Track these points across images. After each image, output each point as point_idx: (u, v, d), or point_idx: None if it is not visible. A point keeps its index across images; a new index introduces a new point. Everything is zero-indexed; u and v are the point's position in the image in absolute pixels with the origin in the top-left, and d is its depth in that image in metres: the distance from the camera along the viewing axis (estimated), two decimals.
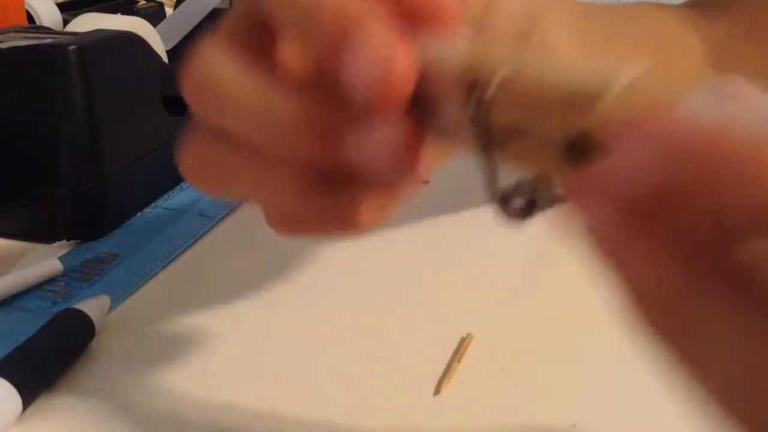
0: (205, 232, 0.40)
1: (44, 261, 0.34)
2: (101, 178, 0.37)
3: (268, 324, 0.32)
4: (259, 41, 0.19)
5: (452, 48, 0.16)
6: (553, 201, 0.15)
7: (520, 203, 0.16)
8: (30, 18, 0.57)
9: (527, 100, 0.14)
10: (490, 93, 0.15)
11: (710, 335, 0.13)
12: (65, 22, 0.56)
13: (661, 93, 0.13)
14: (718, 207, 0.12)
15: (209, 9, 0.51)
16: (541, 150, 0.14)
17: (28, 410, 0.26)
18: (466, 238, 0.39)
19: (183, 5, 0.52)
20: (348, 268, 0.36)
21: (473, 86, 0.15)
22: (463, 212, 0.41)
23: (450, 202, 0.42)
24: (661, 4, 0.33)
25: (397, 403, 0.27)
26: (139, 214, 0.41)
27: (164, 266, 0.36)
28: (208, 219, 0.41)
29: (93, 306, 0.30)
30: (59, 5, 0.61)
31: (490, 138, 0.15)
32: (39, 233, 0.38)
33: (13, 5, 0.53)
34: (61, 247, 0.37)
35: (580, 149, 0.13)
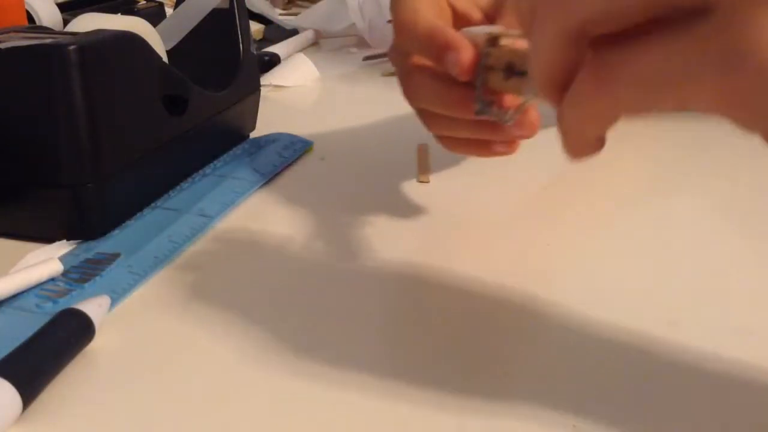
0: (205, 232, 0.40)
1: (44, 261, 0.34)
2: (101, 178, 0.37)
3: (268, 324, 0.32)
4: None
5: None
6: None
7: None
8: (30, 18, 0.57)
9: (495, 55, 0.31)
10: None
11: None
12: (65, 22, 0.56)
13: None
14: None
15: (209, 9, 0.51)
16: (497, 77, 0.31)
17: (28, 410, 0.26)
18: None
19: (183, 5, 0.52)
20: (348, 267, 0.36)
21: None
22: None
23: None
24: None
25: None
26: (139, 214, 0.41)
27: (164, 266, 0.36)
28: (208, 219, 0.41)
29: (93, 306, 0.30)
30: (59, 5, 0.61)
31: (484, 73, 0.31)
32: (39, 233, 0.38)
33: (13, 5, 0.53)
34: (61, 247, 0.37)
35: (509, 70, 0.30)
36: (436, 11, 0.36)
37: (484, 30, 0.32)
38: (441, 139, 0.38)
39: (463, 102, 0.33)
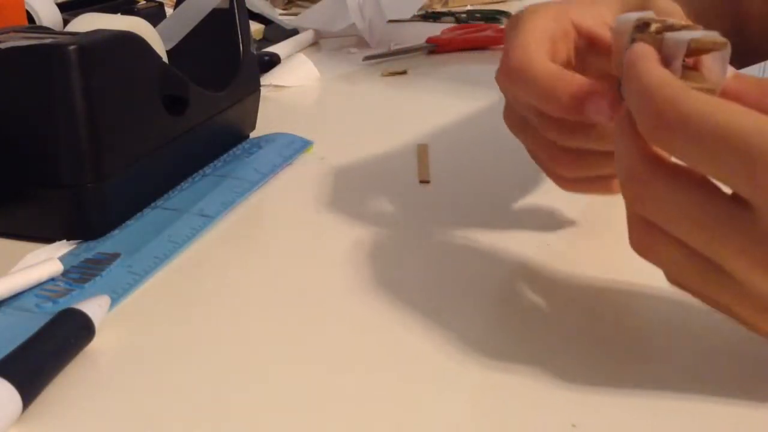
0: (205, 232, 0.40)
1: (44, 261, 0.34)
2: (101, 178, 0.37)
3: (268, 323, 0.32)
4: None
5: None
6: None
7: None
8: (30, 18, 0.57)
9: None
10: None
11: None
12: (65, 22, 0.56)
13: None
14: None
15: (209, 9, 0.51)
16: None
17: (28, 410, 0.26)
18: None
19: (183, 5, 0.52)
20: (348, 267, 0.36)
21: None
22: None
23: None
24: None
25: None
26: (139, 214, 0.41)
27: (164, 266, 0.36)
28: (208, 219, 0.41)
29: (93, 306, 0.30)
30: (59, 5, 0.61)
31: None
32: (39, 233, 0.38)
33: (13, 5, 0.53)
34: (61, 247, 0.37)
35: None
36: (548, 46, 0.32)
37: (633, 17, 0.28)
38: (563, 181, 0.36)
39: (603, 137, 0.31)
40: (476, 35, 0.85)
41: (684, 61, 0.26)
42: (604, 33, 0.33)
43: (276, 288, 0.35)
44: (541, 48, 0.32)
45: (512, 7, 1.08)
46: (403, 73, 0.74)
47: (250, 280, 0.35)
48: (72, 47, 0.35)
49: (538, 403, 0.26)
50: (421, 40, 0.83)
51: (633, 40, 0.27)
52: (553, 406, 0.26)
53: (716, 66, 0.26)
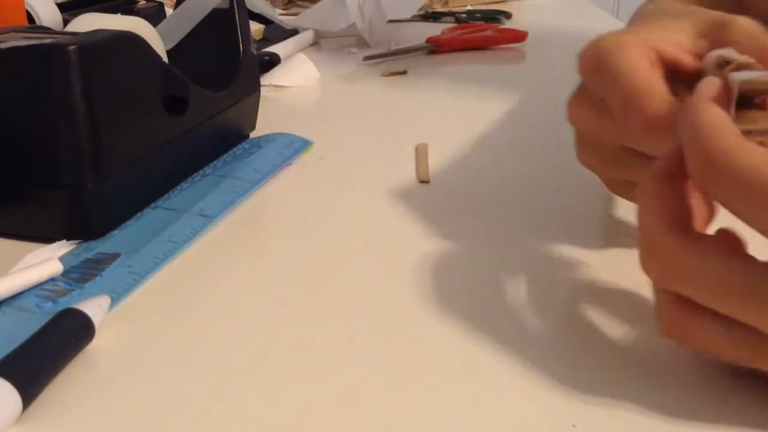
0: (205, 232, 0.40)
1: (44, 261, 0.34)
2: (101, 178, 0.37)
3: (268, 324, 0.32)
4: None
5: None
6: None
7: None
8: (30, 18, 0.57)
9: None
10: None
11: None
12: (65, 22, 0.56)
13: None
14: None
15: (209, 9, 0.51)
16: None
17: (28, 410, 0.26)
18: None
19: (183, 5, 0.52)
20: (348, 268, 0.36)
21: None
22: None
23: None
24: None
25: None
26: (139, 214, 0.41)
27: (164, 266, 0.36)
28: (208, 219, 0.41)
29: (93, 306, 0.30)
30: (59, 5, 0.61)
31: None
32: (39, 233, 0.38)
33: (13, 5, 0.53)
34: (61, 247, 0.37)
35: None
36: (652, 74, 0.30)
37: (714, 56, 0.29)
38: None
39: None
40: (476, 35, 0.85)
41: (752, 100, 0.26)
42: (686, 58, 0.32)
43: (276, 288, 0.35)
44: (649, 71, 0.30)
45: (512, 7, 1.08)
46: (403, 73, 0.74)
47: (250, 280, 0.35)
48: (72, 47, 0.35)
49: (538, 403, 0.26)
50: (421, 40, 0.83)
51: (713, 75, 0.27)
52: (553, 406, 0.26)
53: None
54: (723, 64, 0.28)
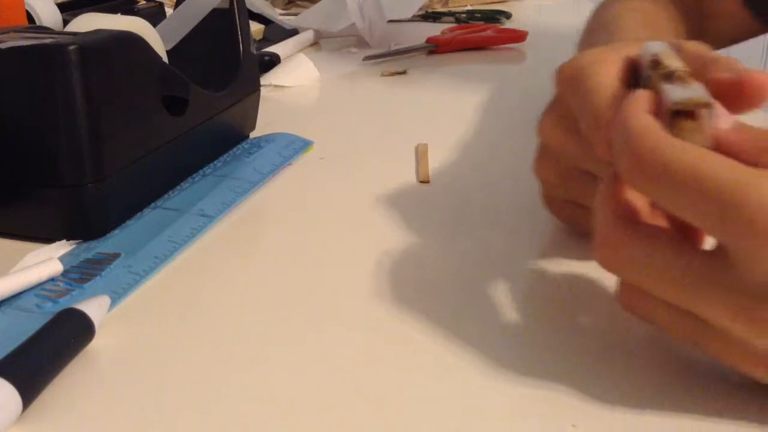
0: (205, 232, 0.40)
1: (44, 261, 0.34)
2: (101, 178, 0.37)
3: (268, 323, 0.32)
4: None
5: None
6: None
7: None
8: (30, 18, 0.57)
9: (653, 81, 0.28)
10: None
11: None
12: (65, 22, 0.56)
13: None
14: None
15: (209, 9, 0.51)
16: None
17: (28, 410, 0.26)
18: None
19: (183, 5, 0.52)
20: (347, 268, 0.36)
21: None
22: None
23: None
24: None
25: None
26: (139, 214, 0.41)
27: (164, 266, 0.36)
28: (208, 219, 0.41)
29: (93, 306, 0.30)
30: (59, 5, 0.61)
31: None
32: (39, 233, 0.38)
33: (13, 5, 0.53)
34: (61, 247, 0.37)
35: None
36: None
37: (650, 51, 0.29)
38: None
39: None
40: (476, 35, 0.85)
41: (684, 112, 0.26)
42: None
43: (276, 288, 0.35)
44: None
45: (512, 7, 1.08)
46: (403, 73, 0.74)
47: (249, 280, 0.35)
48: (72, 47, 0.35)
49: (538, 403, 0.26)
50: (421, 40, 0.83)
51: (648, 76, 0.28)
52: (553, 406, 0.26)
53: (705, 120, 0.25)
54: (655, 65, 0.28)
